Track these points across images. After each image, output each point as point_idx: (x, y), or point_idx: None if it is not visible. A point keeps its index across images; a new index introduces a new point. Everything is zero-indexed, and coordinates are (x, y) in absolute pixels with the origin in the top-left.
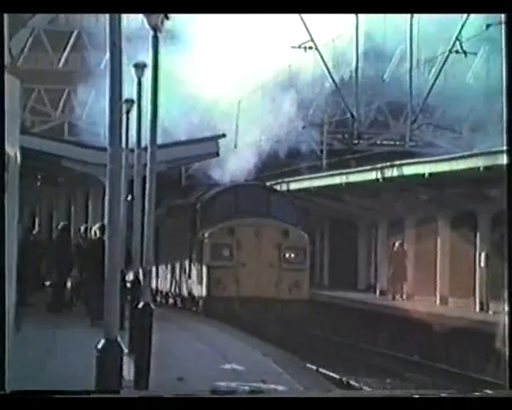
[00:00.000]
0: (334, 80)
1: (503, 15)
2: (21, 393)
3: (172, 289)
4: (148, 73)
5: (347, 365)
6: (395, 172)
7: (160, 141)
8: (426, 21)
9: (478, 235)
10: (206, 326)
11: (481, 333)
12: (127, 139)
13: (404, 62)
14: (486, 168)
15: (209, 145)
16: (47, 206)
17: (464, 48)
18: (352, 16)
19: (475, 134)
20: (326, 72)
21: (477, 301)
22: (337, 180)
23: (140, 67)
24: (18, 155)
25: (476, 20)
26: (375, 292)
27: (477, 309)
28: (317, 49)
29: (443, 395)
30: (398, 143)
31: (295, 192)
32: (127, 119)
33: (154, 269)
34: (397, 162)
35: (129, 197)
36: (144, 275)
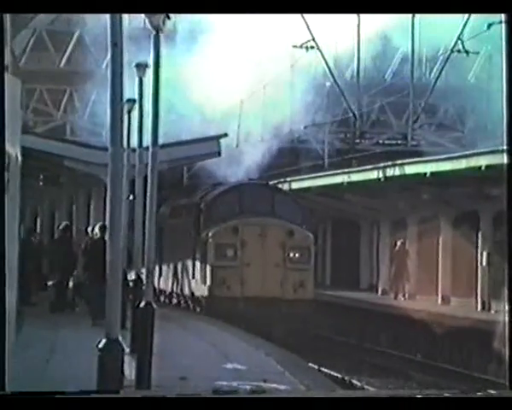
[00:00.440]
0: (335, 80)
1: (503, 15)
2: (22, 393)
3: (176, 289)
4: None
5: (350, 364)
6: (397, 172)
7: (161, 141)
8: (428, 21)
9: (480, 234)
10: (208, 326)
11: (483, 332)
12: (129, 139)
13: (406, 62)
14: (488, 167)
15: (211, 145)
16: (49, 206)
17: (466, 47)
18: (353, 16)
19: (477, 133)
20: (328, 71)
21: (479, 300)
22: (339, 180)
23: (142, 67)
24: (19, 154)
25: (478, 20)
26: (376, 292)
27: (479, 308)
28: (318, 48)
29: (444, 395)
30: (400, 142)
31: (297, 192)
32: (129, 118)
33: (157, 269)
34: (399, 162)
35: (130, 197)
36: (146, 274)
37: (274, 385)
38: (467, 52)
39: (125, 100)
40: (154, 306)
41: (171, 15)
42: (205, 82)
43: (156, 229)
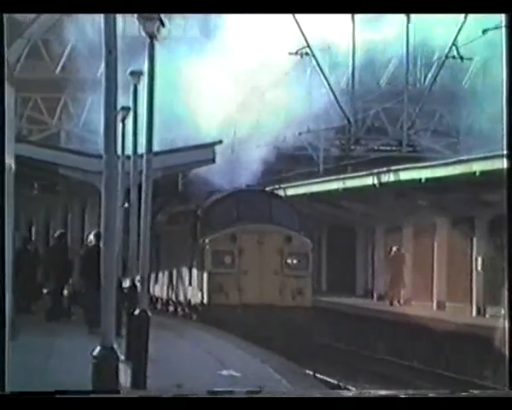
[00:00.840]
0: (330, 86)
1: (503, 19)
2: (21, 394)
3: (173, 297)
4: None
5: (346, 370)
6: (392, 178)
7: (156, 148)
8: (422, 27)
9: (475, 239)
10: (205, 334)
11: (479, 337)
12: (123, 146)
13: (400, 68)
14: (483, 173)
15: (205, 152)
16: (44, 214)
17: (461, 53)
18: (348, 21)
19: (472, 139)
20: (323, 78)
21: (474, 305)
22: (334, 186)
23: (136, 75)
24: (13, 163)
25: (472, 25)
26: (372, 297)
27: (474, 314)
28: (313, 55)
29: (443, 395)
30: (394, 148)
31: (292, 198)
32: (123, 126)
33: (154, 276)
34: (394, 168)
35: (126, 204)
36: (141, 282)
37: (269, 393)
38: (461, 58)
39: (119, 108)
40: (149, 313)
41: (166, 23)
42: (200, 88)
43: (153, 236)
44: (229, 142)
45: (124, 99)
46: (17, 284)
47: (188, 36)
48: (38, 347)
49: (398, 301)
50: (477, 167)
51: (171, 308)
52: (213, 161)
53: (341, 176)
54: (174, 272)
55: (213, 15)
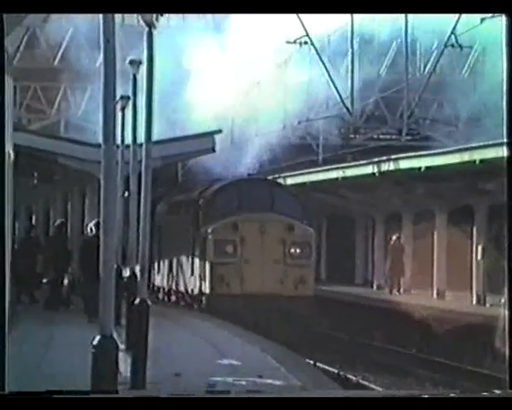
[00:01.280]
0: (329, 75)
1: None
2: (21, 393)
3: (174, 287)
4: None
5: (345, 359)
6: (392, 167)
7: (155, 137)
8: (422, 15)
9: (474, 228)
10: (203, 322)
11: (479, 326)
12: (123, 136)
13: (400, 56)
14: (482, 162)
15: (205, 141)
16: (44, 203)
17: (460, 41)
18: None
19: (471, 128)
20: (322, 67)
21: (474, 293)
22: (334, 175)
23: (135, 64)
24: (11, 152)
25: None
26: (372, 286)
27: (474, 302)
28: (312, 44)
29: (444, 395)
30: (394, 137)
31: (292, 187)
32: (123, 115)
33: (155, 266)
34: (393, 156)
35: (125, 194)
36: (141, 271)
37: (269, 381)
38: (461, 46)
39: (119, 97)
40: (149, 302)
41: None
42: (199, 78)
43: (154, 226)
44: (229, 131)
45: (123, 89)
46: (20, 274)
47: (186, 25)
48: (37, 336)
49: (398, 290)
50: (477, 156)
51: (173, 298)
52: (213, 150)
53: (341, 165)
54: (175, 261)
55: None
